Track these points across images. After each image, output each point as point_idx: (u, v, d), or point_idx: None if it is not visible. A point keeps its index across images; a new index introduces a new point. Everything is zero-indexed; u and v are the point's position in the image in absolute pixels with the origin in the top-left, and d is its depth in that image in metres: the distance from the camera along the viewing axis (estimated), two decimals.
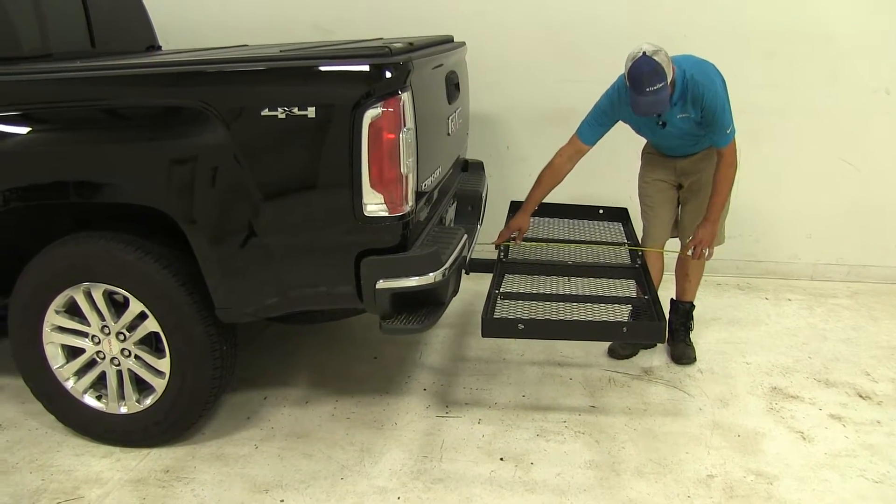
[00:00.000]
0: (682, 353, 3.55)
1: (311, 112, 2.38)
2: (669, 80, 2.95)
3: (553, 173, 3.40)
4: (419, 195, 2.60)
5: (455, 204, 3.54)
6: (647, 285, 3.09)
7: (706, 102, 3.08)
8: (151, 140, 2.49)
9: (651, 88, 2.91)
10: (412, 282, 2.52)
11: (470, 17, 4.43)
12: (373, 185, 2.41)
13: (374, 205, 2.43)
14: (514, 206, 3.97)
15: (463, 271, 3.09)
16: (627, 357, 3.57)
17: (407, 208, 2.48)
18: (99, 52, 3.59)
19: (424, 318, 2.62)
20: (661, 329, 2.62)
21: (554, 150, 4.51)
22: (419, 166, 2.56)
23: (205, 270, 2.56)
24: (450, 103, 3.20)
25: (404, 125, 2.41)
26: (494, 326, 2.68)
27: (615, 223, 3.92)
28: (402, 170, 2.42)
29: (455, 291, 2.90)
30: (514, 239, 3.48)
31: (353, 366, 3.53)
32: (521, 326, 2.63)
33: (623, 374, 3.45)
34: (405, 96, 2.41)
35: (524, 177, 4.60)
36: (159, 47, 4.16)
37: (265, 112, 2.39)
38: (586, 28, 4.41)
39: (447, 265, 2.60)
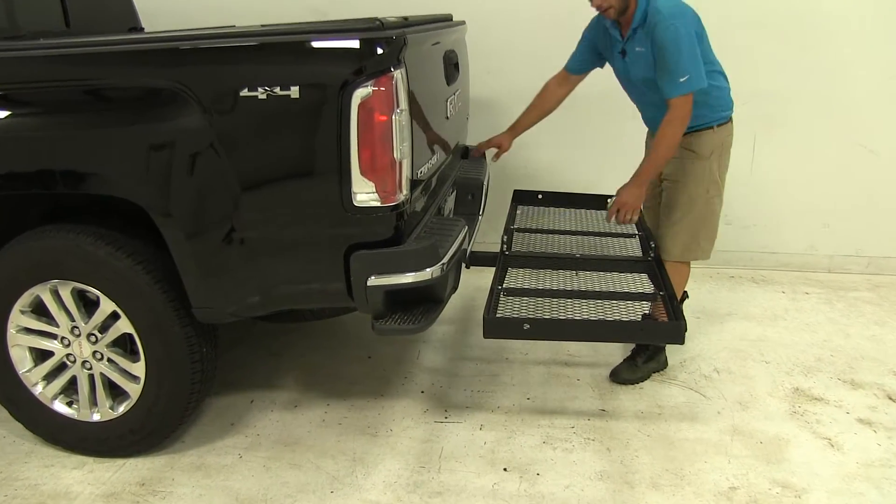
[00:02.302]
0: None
1: (294, 92, 2.15)
2: None
3: (541, 96, 3.37)
4: (414, 183, 2.38)
5: (454, 193, 3.31)
6: (662, 280, 2.87)
7: (657, 34, 2.78)
8: (120, 125, 2.26)
9: None
10: (407, 278, 2.29)
11: None
12: (363, 173, 2.19)
13: (364, 194, 2.21)
14: (518, 195, 3.76)
15: (463, 265, 2.87)
16: (634, 382, 3.17)
17: (401, 197, 2.26)
18: (74, 32, 3.36)
19: (421, 318, 2.40)
20: (681, 329, 2.40)
21: (559, 137, 4.35)
22: (414, 152, 2.34)
23: (181, 267, 2.34)
24: (448, 84, 2.97)
25: (397, 106, 2.18)
26: (497, 326, 2.46)
27: None
28: (395, 155, 2.20)
29: (454, 287, 2.68)
30: (497, 154, 3.45)
31: (346, 366, 3.32)
32: (526, 326, 2.41)
33: None
34: (398, 74, 2.18)
35: (527, 164, 4.41)
36: (142, 29, 3.93)
37: (244, 92, 2.16)
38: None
39: (446, 260, 2.38)
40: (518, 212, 3.67)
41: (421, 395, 3.08)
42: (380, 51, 2.16)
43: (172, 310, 2.43)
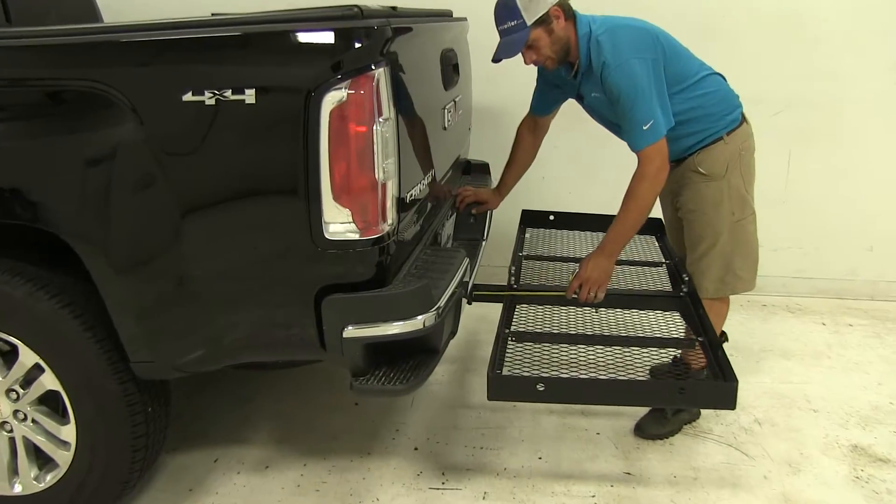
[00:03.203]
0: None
1: (249, 96, 1.71)
2: (544, 26, 2.38)
3: (517, 149, 2.95)
4: (403, 209, 1.93)
5: (454, 216, 2.87)
6: (700, 320, 2.41)
7: (605, 81, 2.35)
8: (28, 136, 1.82)
9: (503, 27, 2.39)
10: (393, 328, 1.85)
11: None
12: (336, 197, 1.74)
13: (338, 224, 1.76)
14: (526, 216, 3.32)
15: (464, 300, 2.43)
16: (663, 437, 2.70)
17: (385, 228, 1.82)
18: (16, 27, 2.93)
19: (410, 375, 1.96)
20: (731, 392, 1.93)
21: (572, 149, 3.89)
22: (402, 170, 1.89)
23: (113, 312, 1.89)
24: (446, 89, 2.53)
25: (379, 114, 1.74)
26: (505, 387, 2.00)
27: (648, 237, 3.25)
28: (376, 175, 1.75)
29: (453, 332, 2.24)
30: (473, 213, 2.95)
31: (329, 415, 2.86)
32: (541, 387, 1.95)
33: None
34: (381, 73, 1.74)
35: (537, 181, 3.94)
36: None
37: (188, 97, 1.72)
38: (607, 11, 3.73)
39: (442, 303, 1.94)
40: (527, 235, 3.24)
41: (414, 454, 2.62)
42: (357, 44, 1.72)
43: (108, 362, 1.98)
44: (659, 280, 2.87)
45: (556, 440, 2.70)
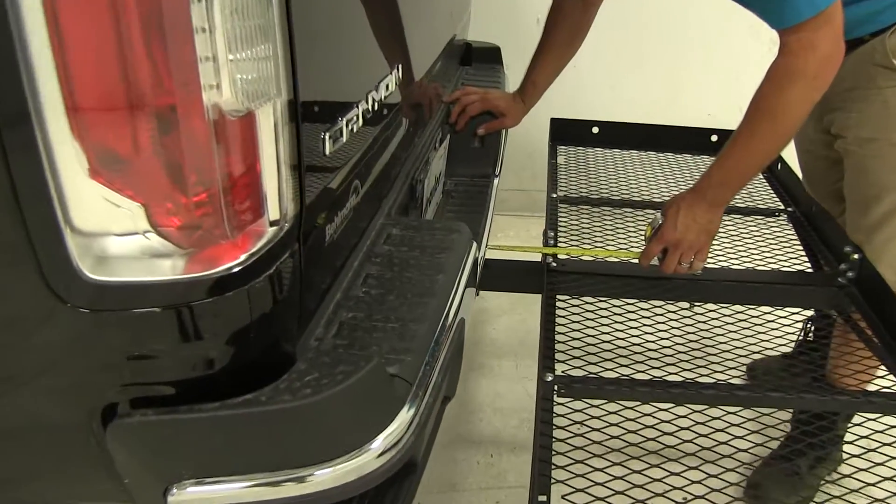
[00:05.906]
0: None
1: None
2: None
3: (555, 27, 1.78)
4: (316, 168, 0.78)
5: (446, 140, 1.71)
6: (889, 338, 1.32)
7: None
8: None
9: None
10: (304, 486, 0.73)
11: None
12: (96, 168, 0.58)
13: (113, 237, 0.61)
14: (558, 127, 2.20)
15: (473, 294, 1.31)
16: None
17: (261, 236, 0.67)
18: None
19: None
20: None
21: (619, 24, 2.69)
22: (308, 69, 0.72)
23: None
24: None
25: None
26: None
27: None
28: (205, 94, 0.58)
29: (448, 397, 1.13)
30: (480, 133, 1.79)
31: None
32: None
33: None
34: None
35: (567, 72, 2.78)
36: None
37: None
38: None
39: (424, 396, 0.81)
40: (560, 160, 2.11)
41: None
42: None
43: None
44: (779, 244, 1.78)
45: None
